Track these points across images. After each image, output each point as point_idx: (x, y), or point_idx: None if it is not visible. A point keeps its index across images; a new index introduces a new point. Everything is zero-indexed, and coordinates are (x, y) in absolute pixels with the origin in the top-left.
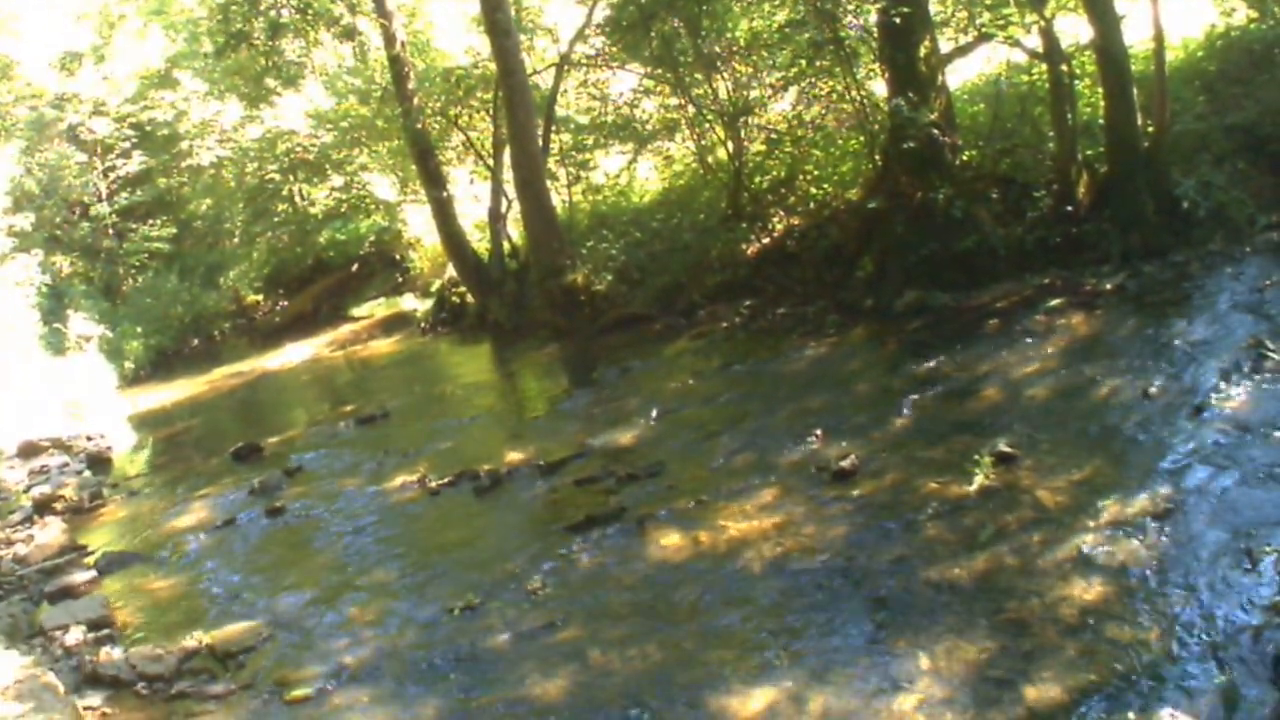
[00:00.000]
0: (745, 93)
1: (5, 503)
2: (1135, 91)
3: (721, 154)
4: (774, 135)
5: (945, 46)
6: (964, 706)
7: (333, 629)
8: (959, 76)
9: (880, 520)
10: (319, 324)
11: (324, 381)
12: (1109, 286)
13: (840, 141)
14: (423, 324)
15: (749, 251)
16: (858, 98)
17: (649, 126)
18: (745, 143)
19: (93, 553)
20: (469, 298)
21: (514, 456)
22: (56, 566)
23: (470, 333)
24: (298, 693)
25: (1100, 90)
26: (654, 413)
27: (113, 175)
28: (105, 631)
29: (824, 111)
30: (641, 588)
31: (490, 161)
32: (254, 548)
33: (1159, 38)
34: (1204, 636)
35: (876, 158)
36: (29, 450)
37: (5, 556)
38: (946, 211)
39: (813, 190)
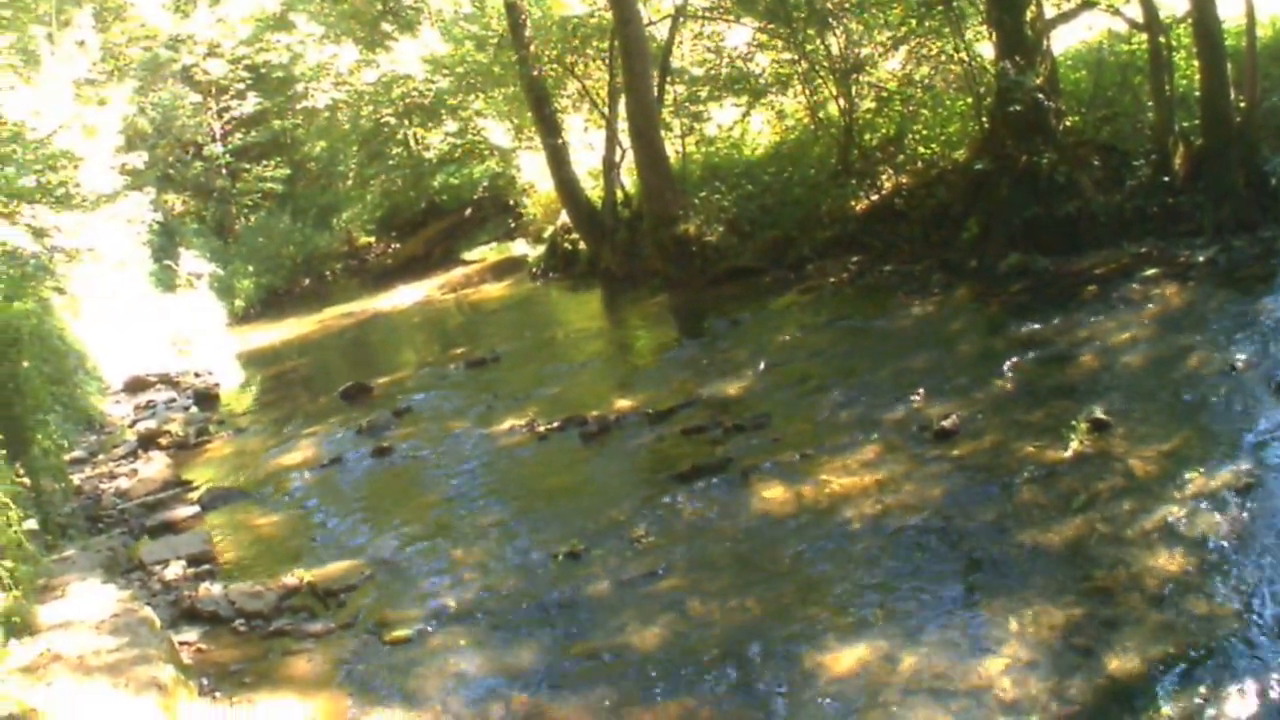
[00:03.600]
0: (857, 50)
1: (110, 436)
2: (1229, 66)
3: (833, 110)
4: (884, 93)
5: (1049, 12)
6: (1047, 673)
7: (435, 570)
8: (1062, 43)
9: (978, 481)
10: (430, 267)
11: (434, 324)
12: (1201, 259)
13: (948, 102)
14: (534, 270)
15: (858, 208)
16: (965, 59)
17: (762, 80)
18: (856, 100)
19: (196, 488)
20: (581, 245)
21: (622, 404)
22: (159, 501)
23: (581, 280)
24: (397, 633)
25: (1196, 63)
26: (762, 365)
27: (227, 116)
28: (205, 567)
29: (933, 72)
30: (743, 539)
31: (605, 110)
32: (359, 487)
33: (1250, 14)
34: None
35: (983, 120)
36: (136, 385)
37: (107, 490)
38: (1050, 176)
39: (921, 150)
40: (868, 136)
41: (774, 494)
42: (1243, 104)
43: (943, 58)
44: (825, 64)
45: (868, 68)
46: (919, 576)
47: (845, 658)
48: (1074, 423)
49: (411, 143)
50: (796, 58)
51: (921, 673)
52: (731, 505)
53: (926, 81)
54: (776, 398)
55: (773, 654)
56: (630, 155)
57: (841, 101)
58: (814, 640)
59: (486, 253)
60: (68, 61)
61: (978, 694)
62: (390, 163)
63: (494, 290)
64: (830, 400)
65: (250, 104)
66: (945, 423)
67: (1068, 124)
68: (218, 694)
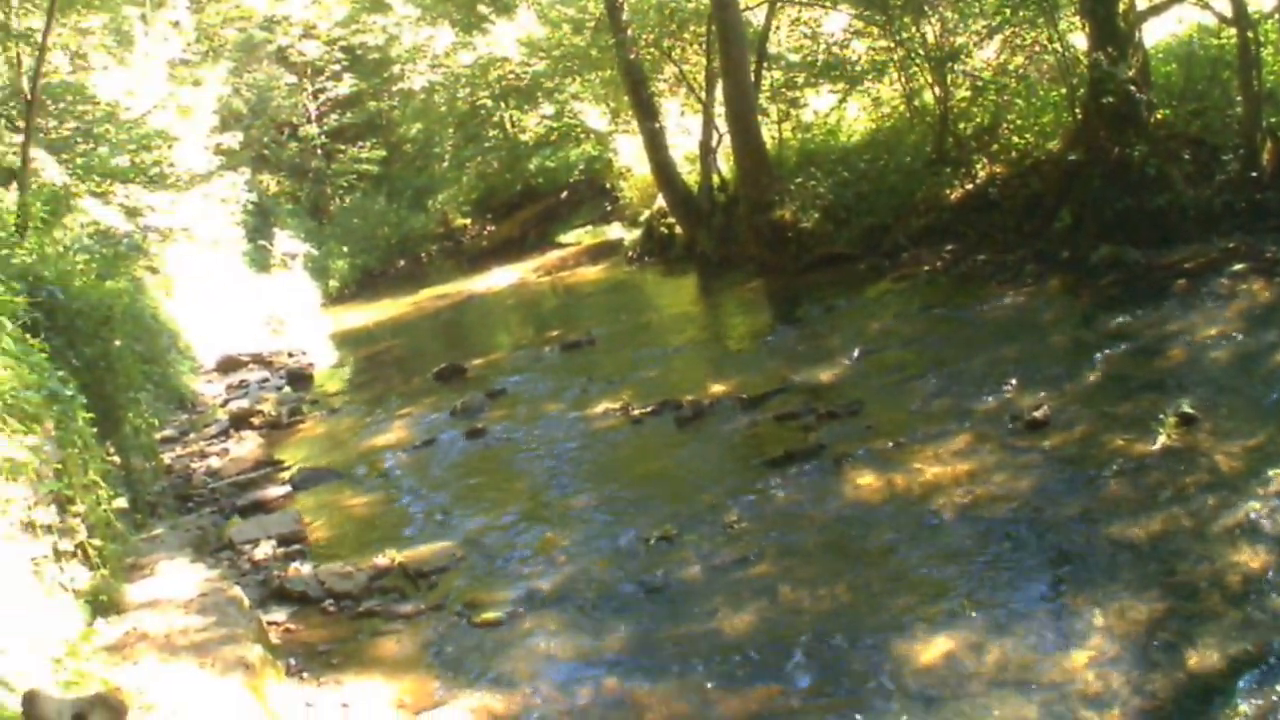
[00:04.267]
0: (951, 38)
1: (201, 415)
2: None
3: (928, 98)
4: (979, 82)
5: (1141, 4)
6: (1129, 667)
7: (527, 553)
8: (1151, 36)
9: (1067, 473)
10: (526, 249)
11: (529, 306)
12: None
13: (1041, 92)
14: (630, 253)
15: (952, 196)
16: (1059, 49)
17: (858, 67)
18: (951, 88)
19: (288, 468)
20: (677, 229)
21: (716, 388)
22: (250, 480)
23: (677, 264)
24: (488, 615)
25: None
26: (856, 352)
27: (322, 97)
28: (296, 547)
29: (1027, 62)
30: (835, 526)
31: (702, 95)
32: (452, 468)
33: None
34: None
35: (1076, 111)
36: (228, 365)
37: (198, 469)
38: (1141, 169)
39: (1015, 139)
40: (962, 125)
41: (866, 481)
42: None
43: (1036, 48)
44: (921, 52)
45: (962, 56)
46: (1007, 567)
47: (933, 648)
48: (1162, 416)
49: (507, 125)
50: (892, 45)
51: (1007, 664)
52: (823, 492)
53: (1020, 71)
54: (870, 385)
55: (861, 642)
56: (727, 140)
57: (937, 90)
58: (902, 630)
59: (581, 236)
60: (161, 42)
61: (1061, 687)
62: (486, 145)
63: (589, 273)
64: (923, 388)
65: (346, 85)
66: (1037, 413)
67: (1158, 117)
68: (305, 674)
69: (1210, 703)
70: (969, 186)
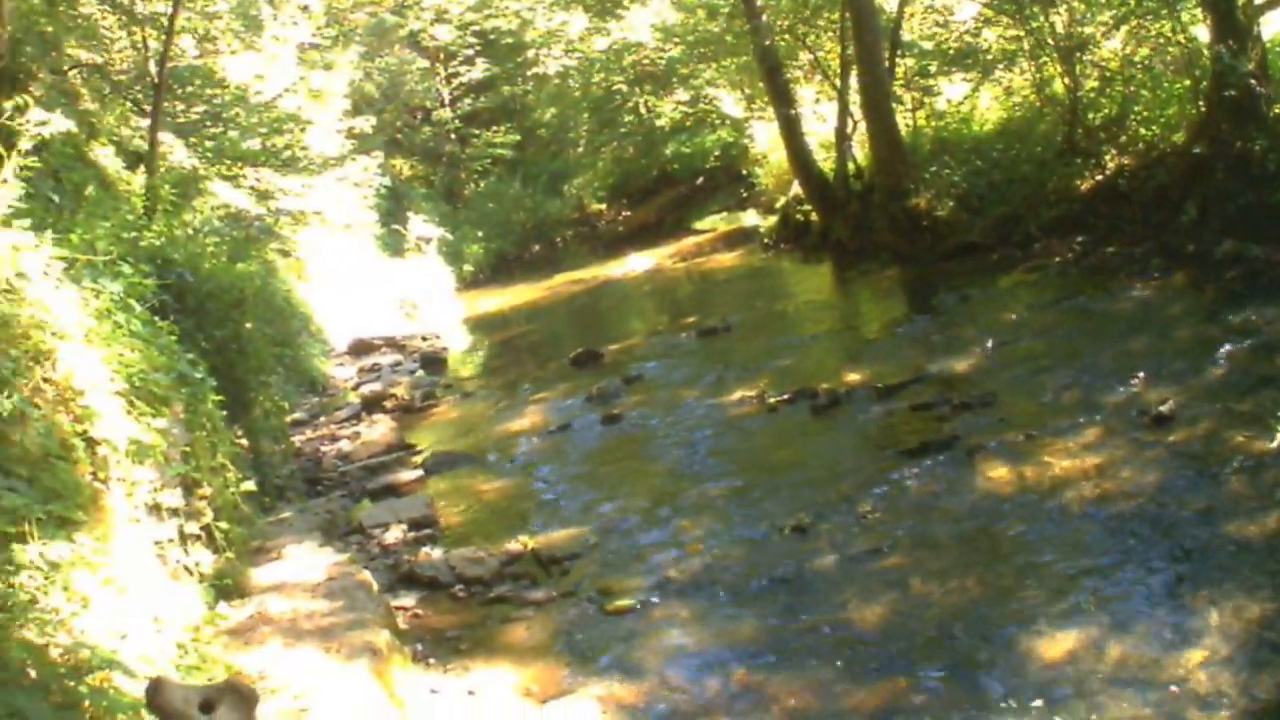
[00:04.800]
0: (1080, 28)
1: (332, 399)
2: None
3: (1058, 87)
4: (1106, 73)
5: None
6: (1240, 668)
7: (660, 540)
8: (1267, 30)
9: (1191, 469)
10: (661, 235)
11: (665, 292)
12: None
13: (1165, 84)
14: (766, 240)
15: (1082, 187)
16: (1182, 41)
17: (989, 56)
18: (1080, 78)
19: (420, 452)
20: (813, 216)
21: (851, 377)
22: (381, 464)
23: (812, 251)
24: (619, 603)
25: None
26: (989, 342)
27: (455, 82)
28: (426, 531)
29: (1152, 53)
30: (966, 519)
31: (836, 82)
32: (586, 454)
33: None
34: None
35: (1200, 103)
36: (361, 348)
37: (328, 452)
38: (1262, 163)
39: (1142, 131)
40: (1091, 115)
41: (997, 474)
42: None
43: (1160, 40)
44: (1050, 41)
45: (1090, 47)
46: (1131, 563)
47: (1057, 645)
48: None
49: (643, 110)
50: (1022, 34)
51: (1126, 663)
52: (956, 483)
53: (1145, 63)
54: (1002, 376)
55: (988, 638)
56: (862, 127)
57: (1066, 80)
58: (1028, 625)
59: (717, 222)
60: (291, 26)
61: (1174, 686)
62: (621, 130)
63: (725, 260)
64: (1054, 381)
65: (479, 70)
66: (1163, 408)
67: (1276, 111)
68: (431, 660)
69: None
70: (1099, 178)
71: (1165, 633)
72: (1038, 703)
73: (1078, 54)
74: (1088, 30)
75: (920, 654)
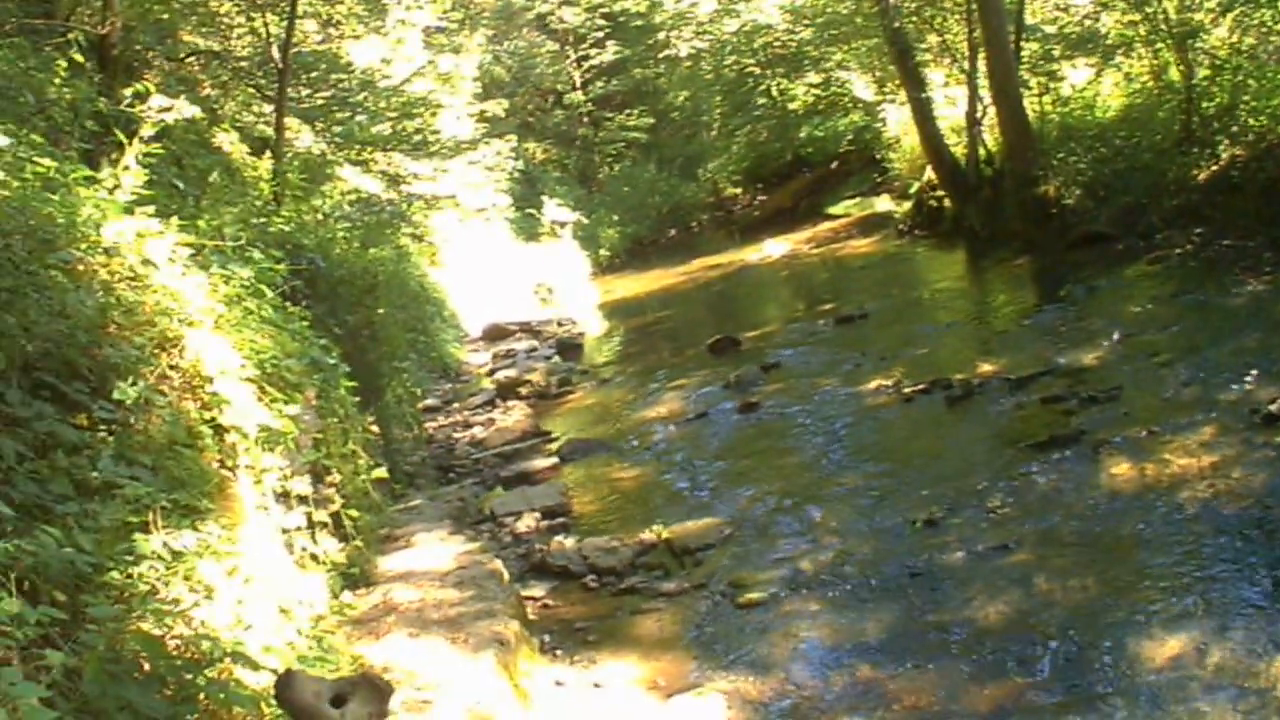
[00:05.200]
0: (1191, 15)
1: (466, 385)
2: None
3: (1174, 74)
4: (1216, 60)
5: None
6: None
7: (794, 532)
8: None
9: None
10: (797, 220)
11: (801, 278)
12: None
13: (1269, 74)
14: (900, 226)
15: (1200, 177)
16: None
17: (1108, 41)
18: (1193, 65)
19: (555, 439)
20: (946, 202)
21: (984, 368)
22: (515, 451)
23: (945, 238)
24: (750, 596)
25: None
26: (1115, 335)
27: (586, 65)
28: (559, 520)
29: (1257, 42)
30: (1090, 516)
31: (965, 65)
32: (723, 443)
33: None
34: None
35: None
36: (495, 334)
37: (461, 439)
38: None
39: (1251, 121)
40: (1204, 104)
41: (1120, 470)
42: None
43: (1263, 28)
44: (1164, 27)
45: (1201, 34)
46: (1237, 568)
47: (1164, 649)
48: None
49: (775, 93)
50: (1138, 19)
51: (1224, 669)
52: (1081, 479)
53: (1251, 52)
54: (1127, 369)
55: (1103, 640)
56: (991, 112)
57: (1181, 67)
58: (1141, 628)
59: (850, 207)
60: (416, 9)
61: (1265, 693)
62: (754, 113)
63: (860, 246)
64: (1175, 376)
65: (610, 52)
66: (1272, 407)
67: None
68: (558, 651)
69: None
70: (1214, 168)
71: (1261, 639)
72: (1143, 706)
73: (1189, 41)
74: (1198, 17)
75: (1039, 654)
